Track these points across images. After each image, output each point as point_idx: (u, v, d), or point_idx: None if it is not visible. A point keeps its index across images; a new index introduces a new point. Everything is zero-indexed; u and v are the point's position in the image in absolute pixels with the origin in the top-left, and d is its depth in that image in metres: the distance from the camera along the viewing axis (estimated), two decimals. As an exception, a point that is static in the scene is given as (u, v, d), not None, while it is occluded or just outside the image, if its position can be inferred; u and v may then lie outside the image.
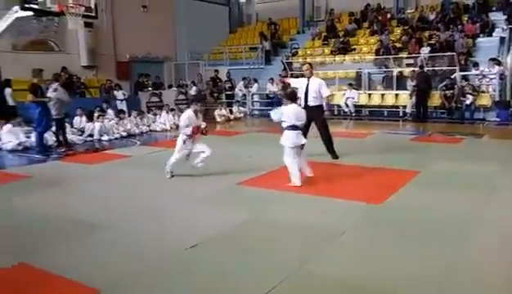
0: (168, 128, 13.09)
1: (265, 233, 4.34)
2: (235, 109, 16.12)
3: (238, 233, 4.37)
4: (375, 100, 15.34)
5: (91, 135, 11.23)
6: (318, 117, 7.60)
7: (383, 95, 15.29)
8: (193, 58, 19.67)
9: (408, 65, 15.41)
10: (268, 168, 7.04)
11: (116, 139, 11.31)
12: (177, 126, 13.24)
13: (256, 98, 17.62)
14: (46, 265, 3.62)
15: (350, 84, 15.36)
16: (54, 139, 10.00)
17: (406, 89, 14.63)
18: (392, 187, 5.80)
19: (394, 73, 15.22)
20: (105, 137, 11.21)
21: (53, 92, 9.51)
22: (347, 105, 15.19)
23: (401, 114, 14.46)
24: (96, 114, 11.66)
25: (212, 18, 20.66)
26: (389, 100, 15.07)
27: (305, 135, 7.56)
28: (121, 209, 5.17)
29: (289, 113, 5.86)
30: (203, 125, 6.62)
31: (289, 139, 5.88)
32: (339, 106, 15.55)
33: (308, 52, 18.58)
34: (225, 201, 5.46)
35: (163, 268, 3.60)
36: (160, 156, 8.83)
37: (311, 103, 7.58)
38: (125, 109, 13.43)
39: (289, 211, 5.01)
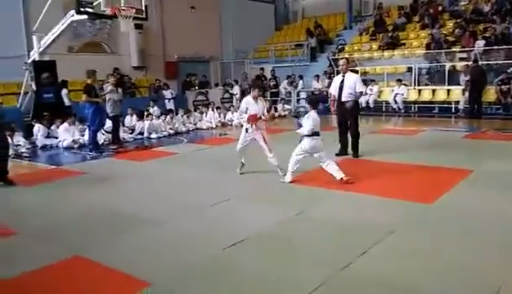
0: (214, 126, 13.27)
1: (311, 231, 4.31)
2: (279, 106, 16.10)
3: (284, 230, 4.37)
4: (426, 95, 14.83)
5: (141, 134, 11.60)
6: (352, 112, 7.56)
7: (434, 90, 14.75)
8: (239, 57, 19.84)
9: (461, 59, 14.77)
10: (315, 166, 6.97)
11: (164, 137, 11.61)
12: (223, 124, 13.57)
13: (301, 95, 17.51)
14: (99, 258, 3.78)
15: (399, 80, 14.93)
16: (105, 137, 10.40)
17: (458, 84, 14.04)
18: (444, 186, 5.59)
19: (446, 68, 14.64)
20: (154, 135, 11.53)
21: (108, 92, 9.89)
22: (395, 101, 14.78)
23: (453, 111, 13.89)
24: (145, 113, 12.03)
25: (257, 16, 20.72)
26: (441, 95, 14.53)
27: (346, 132, 7.71)
28: (170, 205, 5.30)
29: (315, 121, 5.86)
30: (265, 112, 6.53)
31: (309, 143, 5.89)
32: (387, 103, 15.17)
33: (355, 48, 18.23)
34: (271, 198, 5.47)
35: (210, 263, 3.66)
36: (206, 153, 9.00)
37: (344, 99, 7.52)
38: (173, 107, 13.78)
39: (337, 209, 4.95)
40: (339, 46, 18.73)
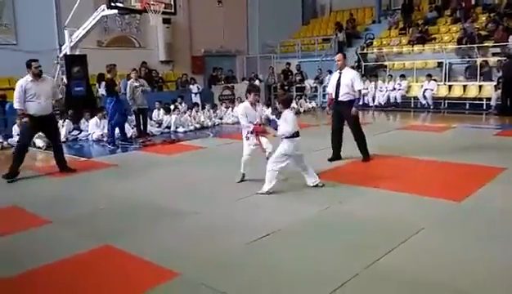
0: (237, 121, 13.30)
1: (337, 227, 4.29)
2: (305, 101, 16.02)
3: (310, 225, 4.36)
4: (456, 91, 14.49)
5: (168, 127, 11.75)
6: (350, 113, 6.84)
7: (465, 86, 14.39)
8: (265, 51, 19.80)
9: (494, 55, 14.34)
10: (341, 161, 6.94)
11: (191, 131, 11.72)
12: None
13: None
14: (129, 247, 3.87)
15: (429, 75, 14.62)
16: (133, 131, 10.57)
17: (490, 80, 13.65)
18: (475, 184, 5.46)
19: (478, 63, 14.24)
20: (181, 129, 11.66)
21: (131, 87, 10.03)
22: (425, 97, 14.50)
23: (484, 107, 13.52)
24: (172, 107, 12.18)
25: (284, 10, 20.57)
26: (472, 91, 14.17)
27: (340, 136, 7.08)
28: (197, 198, 5.35)
29: (294, 121, 5.38)
30: (263, 117, 6.01)
31: (290, 146, 5.33)
32: (416, 98, 14.89)
33: (384, 42, 17.93)
34: (297, 193, 5.45)
35: (237, 255, 3.70)
36: (232, 147, 9.02)
37: (342, 98, 6.87)
38: (199, 102, 13.89)
39: (363, 205, 4.91)
40: (368, 41, 18.46)
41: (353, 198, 5.21)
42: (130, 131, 10.48)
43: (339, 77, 6.90)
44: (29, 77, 6.69)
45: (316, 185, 5.53)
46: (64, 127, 10.58)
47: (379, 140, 9.06)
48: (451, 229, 4.17)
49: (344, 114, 6.89)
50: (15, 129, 10.08)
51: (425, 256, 3.57)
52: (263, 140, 5.90)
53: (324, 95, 17.17)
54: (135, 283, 3.26)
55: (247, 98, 6.05)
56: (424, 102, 14.58)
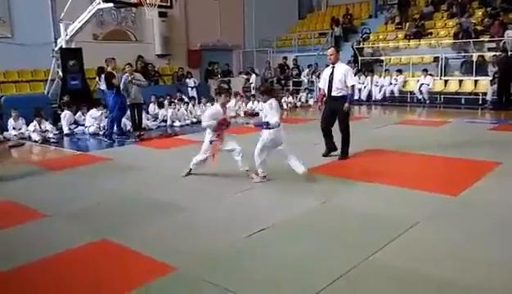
0: (234, 115, 13.25)
1: (334, 221, 4.31)
2: (302, 96, 16.02)
3: (307, 219, 4.38)
4: (452, 86, 14.54)
5: (164, 121, 11.73)
6: (342, 108, 6.71)
7: (461, 81, 14.44)
8: (261, 45, 19.77)
9: (490, 50, 14.38)
10: (336, 156, 6.95)
11: (187, 125, 11.70)
12: (245, 113, 13.52)
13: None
14: (126, 241, 3.87)
15: (425, 70, 14.66)
16: (130, 124, 10.53)
17: (486, 75, 13.69)
18: (470, 179, 5.49)
19: (474, 58, 14.28)
20: (177, 123, 11.64)
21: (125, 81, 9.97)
22: (421, 92, 14.54)
23: (480, 102, 13.57)
24: (166, 102, 12.16)
25: (281, 5, 20.51)
26: (468, 86, 14.22)
27: (330, 132, 6.97)
28: (194, 192, 5.37)
29: (279, 110, 5.48)
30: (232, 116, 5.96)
31: (271, 135, 5.45)
32: (412, 93, 14.92)
33: (381, 37, 17.93)
34: (294, 188, 5.46)
35: (234, 249, 3.71)
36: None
37: (335, 93, 6.73)
38: (195, 96, 13.86)
39: (359, 200, 4.93)
40: (364, 35, 18.45)
41: (349, 192, 5.23)
42: (128, 125, 10.45)
43: (332, 72, 6.76)
44: None
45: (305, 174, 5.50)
46: (64, 119, 10.54)
47: (376, 135, 9.11)
48: (447, 223, 4.20)
49: (336, 109, 6.76)
50: (11, 123, 10.05)
51: (421, 250, 3.60)
52: (230, 142, 5.79)
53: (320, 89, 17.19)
54: (132, 277, 3.26)
55: (217, 101, 5.92)
56: (420, 97, 14.63)
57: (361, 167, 6.44)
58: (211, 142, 5.73)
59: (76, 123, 10.79)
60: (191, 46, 17.77)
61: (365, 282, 3.11)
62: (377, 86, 15.54)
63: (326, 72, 6.95)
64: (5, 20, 12.66)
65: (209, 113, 5.83)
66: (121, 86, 9.73)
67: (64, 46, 11.90)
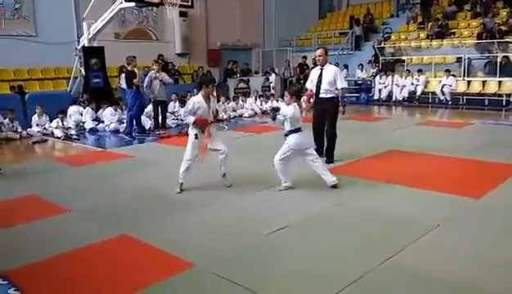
0: (253, 114, 13.27)
1: (352, 223, 4.27)
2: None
3: (326, 219, 4.36)
4: (475, 87, 14.23)
5: (183, 120, 11.79)
6: (330, 110, 6.52)
7: (484, 82, 14.14)
8: (281, 45, 19.72)
9: (515, 50, 14.07)
10: (357, 156, 6.90)
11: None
12: (263, 112, 13.57)
13: (344, 84, 17.21)
14: (145, 237, 3.92)
15: (447, 70, 14.40)
16: (151, 122, 10.65)
17: (511, 76, 13.38)
18: (493, 181, 5.38)
19: (498, 59, 13.97)
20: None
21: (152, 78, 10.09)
22: (443, 93, 14.30)
23: (504, 103, 13.27)
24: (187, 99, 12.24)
25: (301, 4, 20.42)
26: (491, 87, 13.91)
27: (323, 133, 6.68)
28: (212, 190, 5.37)
29: (297, 113, 5.17)
30: (219, 111, 5.59)
31: (295, 139, 5.15)
32: (434, 94, 14.69)
33: (402, 36, 17.70)
34: (312, 187, 5.43)
35: (252, 248, 3.72)
36: (247, 140, 9.07)
37: (323, 95, 6.52)
38: (214, 94, 13.89)
39: (379, 201, 4.88)
40: (385, 35, 18.24)
41: (368, 193, 5.18)
42: (148, 123, 10.57)
43: (320, 74, 6.54)
44: None
45: (334, 186, 5.27)
46: (87, 115, 10.74)
47: (396, 136, 9.01)
48: (468, 226, 4.12)
49: (325, 111, 6.53)
50: (35, 119, 10.26)
51: (441, 253, 3.54)
52: (216, 142, 5.43)
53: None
54: (150, 273, 3.30)
55: (199, 91, 5.41)
56: (442, 98, 14.38)
57: (381, 168, 6.37)
58: (196, 136, 5.28)
59: (97, 120, 10.97)
60: (211, 45, 17.85)
61: (383, 285, 3.07)
62: (398, 86, 15.34)
63: (314, 73, 6.70)
64: (29, 18, 12.93)
65: (189, 103, 5.37)
66: (145, 83, 9.85)
67: (86, 45, 12.09)
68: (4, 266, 3.43)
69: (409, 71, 15.49)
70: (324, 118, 6.63)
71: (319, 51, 6.65)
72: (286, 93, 5.36)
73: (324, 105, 6.54)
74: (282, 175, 5.29)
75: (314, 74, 6.70)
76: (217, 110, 5.56)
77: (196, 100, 5.27)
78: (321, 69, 6.57)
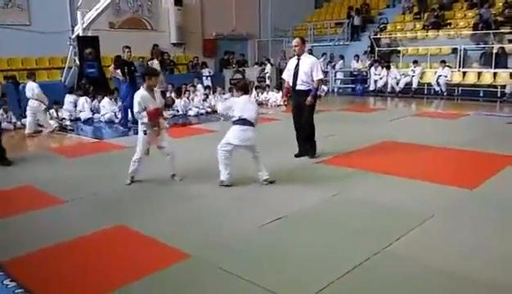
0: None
1: (348, 212, 4.31)
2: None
3: (321, 210, 4.38)
4: (471, 78, 14.27)
5: (178, 110, 11.76)
6: (306, 103, 6.21)
7: (479, 73, 14.17)
8: (277, 35, 19.63)
9: (510, 41, 14.06)
10: (353, 147, 6.92)
11: (202, 114, 11.72)
12: (259, 103, 13.52)
13: (339, 75, 17.22)
14: (141, 228, 3.94)
15: (443, 61, 14.41)
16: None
17: (506, 67, 13.41)
18: (487, 172, 5.42)
19: (494, 50, 13.99)
20: (191, 112, 11.66)
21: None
22: (438, 84, 14.32)
23: (499, 95, 13.31)
24: (183, 89, 12.19)
25: (297, -7, 20.32)
26: (486, 78, 13.94)
27: (300, 125, 6.42)
28: (208, 181, 5.35)
29: (239, 105, 5.06)
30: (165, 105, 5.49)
31: (232, 133, 5.08)
32: (429, 85, 14.71)
33: (398, 27, 17.66)
34: (307, 179, 5.47)
35: (247, 238, 3.74)
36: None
37: (299, 87, 6.24)
38: (210, 85, 13.88)
39: (374, 191, 4.90)
40: (381, 25, 18.19)
41: (364, 183, 5.20)
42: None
43: (297, 65, 6.27)
44: None
45: (267, 181, 5.15)
46: (85, 105, 10.69)
47: (391, 127, 9.03)
48: (463, 216, 4.16)
49: (301, 104, 6.24)
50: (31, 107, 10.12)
51: (435, 243, 3.58)
52: (164, 140, 5.39)
53: (335, 80, 17.07)
54: (147, 263, 3.32)
55: (143, 85, 5.28)
56: (437, 89, 14.41)
57: (376, 158, 6.38)
58: (145, 132, 5.22)
59: (92, 111, 10.92)
60: (207, 35, 17.73)
61: (377, 275, 3.10)
62: (394, 77, 15.34)
63: (291, 63, 6.44)
64: (23, 7, 12.77)
65: (136, 100, 5.18)
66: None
67: (81, 35, 11.99)
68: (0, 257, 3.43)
69: (405, 62, 15.49)
70: (302, 112, 6.35)
71: (295, 41, 6.39)
72: (234, 89, 5.28)
73: (301, 98, 6.25)
74: (221, 164, 5.08)
75: (291, 65, 6.43)
76: (166, 104, 5.40)
77: (142, 96, 5.15)
78: (298, 60, 6.30)
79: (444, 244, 3.55)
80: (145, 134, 5.24)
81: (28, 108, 9.07)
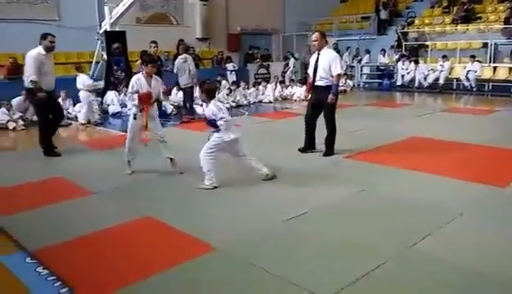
0: (273, 100, 13.19)
1: (375, 208, 4.25)
2: (341, 81, 15.70)
3: (347, 205, 4.35)
4: (501, 73, 13.86)
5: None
6: (326, 99, 6.04)
7: (510, 68, 13.74)
8: (301, 29, 19.49)
9: (544, 35, 13.61)
10: (379, 143, 6.82)
11: (226, 109, 11.73)
12: (284, 98, 13.49)
13: (366, 70, 16.99)
14: (170, 219, 3.99)
15: (472, 56, 14.04)
16: (173, 108, 10.76)
17: (539, 62, 12.99)
18: (520, 170, 5.27)
19: (526, 45, 13.56)
20: (217, 107, 11.70)
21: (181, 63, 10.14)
22: (467, 79, 13.96)
23: (531, 91, 12.91)
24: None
25: (323, -13, 20.10)
26: (519, 74, 13.52)
27: (312, 125, 6.34)
28: (233, 175, 5.33)
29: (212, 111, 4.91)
30: (160, 95, 5.58)
31: (223, 136, 4.92)
32: (458, 80, 14.36)
33: (426, 21, 17.29)
34: (332, 174, 5.43)
35: (272, 232, 3.73)
36: (267, 126, 9.05)
37: (318, 82, 6.11)
38: (235, 79, 13.91)
39: (401, 188, 4.84)
40: (409, 20, 17.84)
41: (390, 180, 5.13)
42: (170, 107, 10.67)
43: (317, 60, 6.14)
44: (41, 51, 6.51)
45: (267, 177, 5.08)
46: (114, 99, 10.91)
47: (419, 122, 8.88)
48: (493, 215, 4.05)
49: (321, 100, 6.09)
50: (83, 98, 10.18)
51: (464, 242, 3.50)
52: (156, 125, 5.46)
53: (361, 75, 16.87)
54: (173, 255, 3.36)
55: (141, 71, 5.43)
56: (466, 84, 14.06)
57: (403, 154, 6.29)
58: (134, 117, 5.32)
59: (120, 105, 11.11)
60: (231, 29, 17.76)
61: (405, 272, 3.06)
62: (422, 72, 15.04)
63: (312, 58, 6.33)
64: (52, 3, 13.06)
65: (131, 82, 5.34)
66: (174, 69, 9.95)
67: (108, 30, 12.15)
68: (32, 246, 3.53)
69: (433, 57, 15.16)
70: (317, 109, 6.23)
71: (314, 35, 6.22)
72: (199, 92, 5.27)
73: (319, 94, 6.13)
74: (205, 168, 4.89)
75: (312, 60, 6.34)
76: (163, 93, 5.57)
77: (137, 79, 5.32)
78: (318, 55, 6.17)
79: (473, 244, 3.47)
80: (134, 118, 5.35)
81: (81, 99, 9.67)
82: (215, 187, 4.87)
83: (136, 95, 5.24)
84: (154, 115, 5.53)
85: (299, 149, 6.42)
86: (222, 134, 4.88)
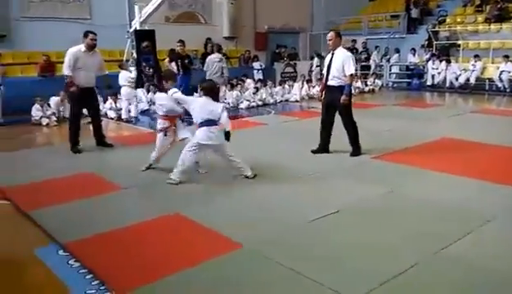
0: (299, 99, 13.14)
1: (402, 210, 4.18)
2: (369, 80, 15.54)
3: (374, 206, 4.29)
4: (537, 74, 13.40)
5: (229, 103, 11.89)
6: (339, 100, 5.95)
7: (547, 69, 13.28)
8: (329, 28, 19.29)
9: None
10: (408, 143, 6.71)
11: (252, 107, 11.80)
12: (310, 97, 13.42)
13: (395, 69, 16.72)
14: (198, 216, 4.03)
15: (506, 56, 13.62)
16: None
17: None
18: (556, 174, 5.08)
19: None
20: (243, 105, 11.76)
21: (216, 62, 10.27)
22: (501, 80, 13.57)
23: None
24: (234, 83, 12.33)
25: (351, -15, 19.89)
26: (555, 74, 13.04)
27: (328, 127, 6.24)
28: (259, 173, 5.33)
29: (197, 105, 5.06)
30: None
31: (199, 133, 5.02)
32: (491, 80, 13.97)
33: (458, 20, 16.88)
34: (359, 174, 5.37)
35: (298, 231, 3.73)
36: (293, 126, 9.02)
37: (331, 82, 6.06)
38: (261, 78, 13.92)
39: (430, 190, 4.74)
40: (440, 18, 17.46)
41: (420, 181, 5.04)
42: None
43: (331, 59, 6.09)
44: (82, 48, 6.76)
45: (247, 177, 5.13)
46: (142, 97, 11.13)
47: (450, 123, 8.71)
48: (527, 219, 3.93)
49: (334, 101, 6.03)
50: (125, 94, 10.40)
51: (495, 248, 3.41)
52: (182, 131, 5.59)
53: (390, 74, 16.61)
54: (200, 251, 3.39)
55: (164, 86, 5.64)
56: (500, 85, 13.67)
57: (432, 155, 6.15)
58: (165, 134, 5.50)
59: (148, 103, 11.29)
60: (259, 28, 17.79)
61: (433, 277, 2.99)
62: (453, 72, 14.69)
63: (327, 58, 6.28)
64: (84, 1, 13.37)
65: (158, 100, 5.64)
66: (205, 67, 10.06)
67: (138, 28, 12.35)
68: (64, 238, 3.63)
69: (465, 56, 14.80)
70: (331, 109, 6.18)
71: (329, 35, 6.16)
72: (199, 90, 5.35)
73: (332, 94, 6.08)
74: (178, 170, 5.00)
75: (326, 60, 6.31)
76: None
77: (160, 98, 5.63)
78: (332, 54, 6.12)
79: (506, 250, 3.37)
80: (165, 135, 5.52)
81: (122, 95, 10.06)
82: (180, 182, 4.98)
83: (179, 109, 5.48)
84: (181, 126, 5.70)
85: (312, 151, 6.32)
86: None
